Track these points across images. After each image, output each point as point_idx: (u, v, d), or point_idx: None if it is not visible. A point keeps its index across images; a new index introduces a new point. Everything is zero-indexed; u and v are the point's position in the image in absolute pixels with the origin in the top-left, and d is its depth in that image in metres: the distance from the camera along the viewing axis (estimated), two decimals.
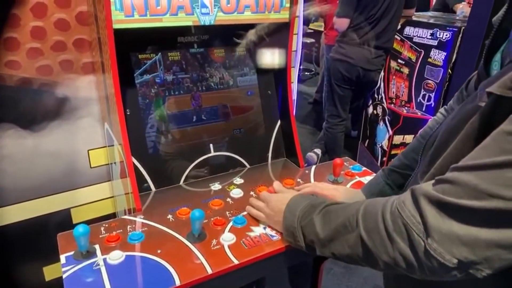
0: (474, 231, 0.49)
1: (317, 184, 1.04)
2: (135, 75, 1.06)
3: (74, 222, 1.32)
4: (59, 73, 1.13)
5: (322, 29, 4.16)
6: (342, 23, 2.54)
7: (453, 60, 2.34)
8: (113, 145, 1.16)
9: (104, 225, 0.92)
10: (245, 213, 0.96)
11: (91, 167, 1.29)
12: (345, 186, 1.10)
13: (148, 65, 1.07)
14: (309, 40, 5.42)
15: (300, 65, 5.56)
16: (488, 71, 0.65)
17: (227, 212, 0.96)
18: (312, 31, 5.36)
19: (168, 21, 0.95)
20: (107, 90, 1.06)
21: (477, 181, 0.49)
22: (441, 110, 0.92)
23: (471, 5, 2.29)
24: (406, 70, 2.67)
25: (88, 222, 1.32)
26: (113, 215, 1.37)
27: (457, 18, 2.71)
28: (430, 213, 0.53)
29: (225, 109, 1.20)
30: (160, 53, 1.09)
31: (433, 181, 0.56)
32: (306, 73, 5.79)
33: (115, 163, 1.20)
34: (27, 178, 1.19)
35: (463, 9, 2.96)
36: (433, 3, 3.66)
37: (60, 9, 1.07)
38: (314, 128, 3.90)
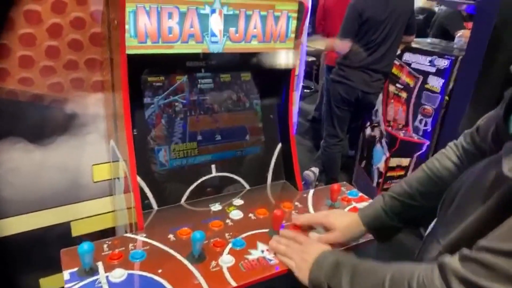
0: None
1: (314, 214, 1.07)
2: (144, 97, 1.10)
3: (73, 235, 1.34)
4: (69, 90, 1.17)
5: (322, 47, 4.24)
6: (343, 45, 2.60)
7: (450, 87, 2.41)
8: (117, 161, 1.19)
9: (107, 242, 0.94)
10: (244, 235, 0.99)
11: (94, 182, 1.32)
12: (341, 210, 1.13)
13: (157, 88, 1.11)
14: (310, 58, 5.50)
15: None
16: (508, 123, 0.63)
17: (226, 234, 0.99)
18: (312, 49, 5.45)
19: (179, 48, 0.99)
20: (116, 109, 1.10)
21: (510, 267, 0.49)
22: (451, 145, 0.90)
23: (469, 36, 2.36)
24: (404, 95, 2.73)
25: (87, 236, 1.36)
26: (112, 230, 1.40)
27: (455, 46, 2.79)
28: None
29: (228, 132, 1.24)
30: (168, 77, 1.13)
31: (460, 256, 0.56)
32: (306, 90, 5.86)
33: (118, 178, 1.23)
34: (31, 190, 1.22)
35: (461, 38, 3.04)
36: (432, 29, 3.74)
37: (75, 30, 1.11)
38: (312, 146, 3.94)
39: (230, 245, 0.95)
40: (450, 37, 3.39)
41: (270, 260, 0.91)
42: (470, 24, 3.52)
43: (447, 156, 0.89)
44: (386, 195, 0.96)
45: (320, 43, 3.04)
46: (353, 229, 0.97)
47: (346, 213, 1.07)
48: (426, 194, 0.90)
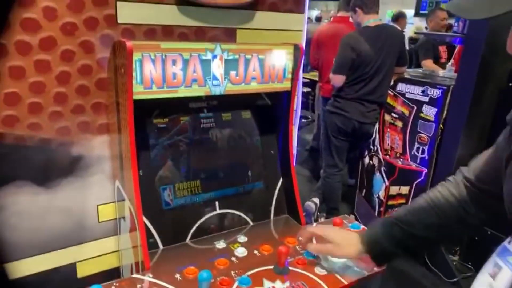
0: None
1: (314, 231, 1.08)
2: (149, 138, 1.13)
3: (79, 276, 1.33)
4: (76, 133, 1.20)
5: (317, 78, 4.36)
6: (337, 80, 2.69)
7: (444, 115, 2.47)
8: (123, 201, 1.21)
9: (114, 284, 0.95)
10: (249, 272, 1.00)
11: (99, 222, 1.33)
12: (341, 229, 1.16)
13: (161, 129, 1.15)
14: (306, 90, 5.63)
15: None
16: None
17: (232, 272, 1.00)
18: (308, 80, 5.59)
19: (183, 92, 1.04)
20: (122, 150, 1.13)
21: None
22: (452, 181, 0.92)
23: (458, 66, 2.45)
24: (399, 124, 2.79)
25: (92, 277, 1.36)
26: (117, 270, 1.39)
27: (446, 76, 2.88)
28: None
29: (230, 169, 1.27)
30: (172, 118, 1.17)
31: None
32: (303, 120, 5.95)
33: (124, 218, 1.25)
34: (37, 233, 1.23)
35: (451, 67, 3.14)
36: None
37: (82, 77, 1.17)
38: (311, 175, 3.96)
39: (236, 283, 0.96)
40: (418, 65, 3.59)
41: None
42: (443, 47, 3.72)
43: (449, 190, 0.91)
44: (389, 220, 0.97)
45: None
46: (350, 246, 0.98)
47: (347, 231, 1.08)
48: (428, 225, 0.91)
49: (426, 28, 5.46)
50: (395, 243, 0.94)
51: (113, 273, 1.40)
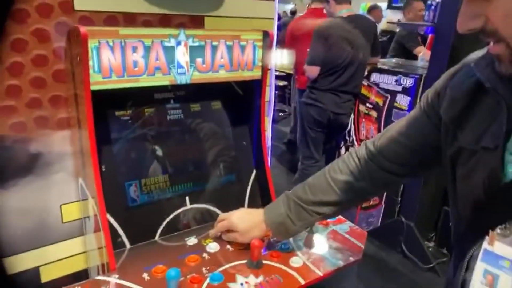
0: None
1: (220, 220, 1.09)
2: (111, 131, 1.07)
3: (43, 281, 1.26)
4: (33, 129, 1.13)
5: (292, 72, 4.35)
6: (312, 71, 2.67)
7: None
8: (87, 199, 1.15)
9: (77, 287, 0.89)
10: (221, 268, 0.96)
11: (63, 222, 1.26)
12: (246, 210, 1.15)
13: (125, 122, 1.09)
14: (282, 83, 5.62)
15: (274, 106, 5.66)
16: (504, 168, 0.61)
17: (203, 268, 0.96)
18: (284, 74, 5.58)
19: (145, 81, 0.99)
20: (83, 146, 1.07)
21: None
22: (354, 156, 0.95)
23: (430, 55, 2.47)
24: (374, 114, 2.80)
25: (58, 281, 1.29)
26: (85, 272, 1.32)
27: (418, 65, 2.91)
28: None
29: (201, 162, 1.22)
30: (136, 110, 1.11)
31: None
32: (280, 113, 5.94)
33: (88, 217, 1.18)
34: None
35: (423, 56, 3.18)
36: (390, 49, 3.93)
37: (37, 68, 1.09)
38: (288, 168, 3.95)
39: (208, 281, 0.92)
40: (409, 53, 3.58)
41: None
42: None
43: (349, 170, 0.94)
44: (291, 199, 0.99)
45: None
46: (254, 230, 1.02)
47: (250, 215, 1.07)
48: (329, 203, 0.96)
49: (399, 20, 5.53)
50: (301, 223, 0.98)
51: (81, 276, 1.33)
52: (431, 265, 2.48)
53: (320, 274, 0.97)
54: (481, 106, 0.66)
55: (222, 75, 1.11)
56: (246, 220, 1.04)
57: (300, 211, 0.97)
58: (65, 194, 1.24)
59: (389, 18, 5.10)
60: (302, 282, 0.94)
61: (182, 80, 1.04)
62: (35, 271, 1.25)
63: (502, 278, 0.60)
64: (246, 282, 0.91)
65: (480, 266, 0.62)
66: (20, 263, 1.21)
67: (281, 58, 3.74)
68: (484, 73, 0.64)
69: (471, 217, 0.67)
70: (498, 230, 0.59)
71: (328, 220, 1.22)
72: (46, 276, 1.27)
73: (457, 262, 0.70)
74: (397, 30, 4.17)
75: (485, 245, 0.62)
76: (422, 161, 0.85)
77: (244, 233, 1.03)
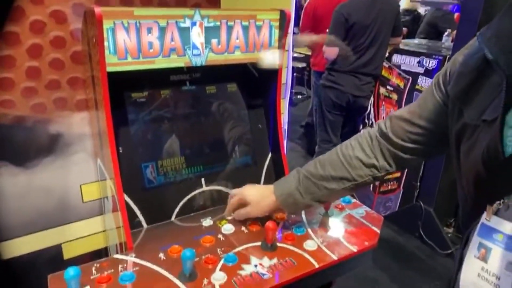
0: None
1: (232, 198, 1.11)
2: (128, 113, 1.08)
3: (65, 258, 1.31)
4: (53, 110, 1.15)
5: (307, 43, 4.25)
6: (331, 52, 2.61)
7: None
8: (105, 180, 1.17)
9: (95, 265, 0.92)
10: (236, 250, 0.97)
11: (83, 202, 1.29)
12: (256, 185, 1.15)
13: (141, 104, 1.10)
14: (301, 65, 5.53)
15: (292, 89, 5.63)
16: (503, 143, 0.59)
17: (218, 249, 0.97)
18: (303, 55, 5.48)
19: (160, 63, 0.98)
20: (100, 127, 1.08)
21: None
22: (367, 136, 0.96)
23: (455, 35, 2.37)
24: (395, 96, 2.73)
25: (79, 258, 1.33)
26: (104, 250, 1.37)
27: (443, 46, 2.80)
28: None
29: (217, 144, 1.22)
30: (152, 92, 1.11)
31: None
32: (298, 96, 5.88)
33: (107, 197, 1.21)
34: (19, 215, 1.19)
35: (448, 37, 3.06)
36: (419, 30, 3.78)
37: (55, 49, 1.10)
38: (306, 152, 3.93)
39: (222, 261, 0.93)
40: (439, 37, 3.42)
41: (264, 274, 0.89)
42: None
43: (361, 147, 0.94)
44: (301, 173, 1.00)
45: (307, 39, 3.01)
46: (266, 204, 1.03)
47: (260, 188, 1.10)
48: (339, 178, 0.96)
49: None
50: (310, 197, 0.98)
51: (101, 254, 1.37)
52: (450, 251, 2.45)
53: (335, 258, 0.97)
54: (487, 82, 0.64)
55: (238, 57, 1.10)
56: (256, 193, 1.05)
57: (309, 184, 0.97)
58: (84, 174, 1.27)
59: None
60: (316, 265, 0.94)
61: (198, 61, 1.04)
62: (58, 248, 1.30)
63: (494, 250, 0.60)
64: (260, 264, 0.92)
65: (475, 240, 0.62)
66: (43, 240, 1.26)
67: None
68: (487, 44, 0.62)
69: (474, 194, 0.67)
70: (496, 205, 0.59)
71: (344, 204, 1.21)
72: (68, 253, 1.32)
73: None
74: (420, 9, 4.00)
75: (482, 220, 0.62)
76: (432, 140, 0.85)
77: (254, 204, 1.04)
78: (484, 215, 0.61)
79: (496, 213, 0.59)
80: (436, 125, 0.81)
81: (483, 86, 0.65)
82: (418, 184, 2.61)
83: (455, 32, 2.80)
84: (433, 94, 0.81)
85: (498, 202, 0.59)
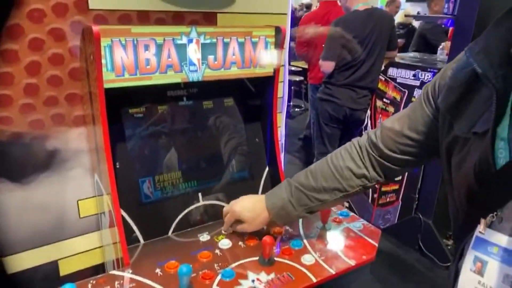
0: None
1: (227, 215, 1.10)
2: (125, 129, 1.08)
3: (62, 274, 1.29)
4: (50, 126, 1.15)
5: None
6: (327, 66, 2.64)
7: None
8: (102, 195, 1.17)
9: (91, 281, 0.91)
10: (233, 265, 0.97)
11: (80, 217, 1.29)
12: (248, 198, 1.10)
13: (138, 119, 1.10)
14: (298, 78, 5.57)
15: (289, 102, 5.64)
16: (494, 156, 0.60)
17: (215, 265, 0.97)
18: (300, 69, 5.53)
19: (157, 79, 0.99)
20: (97, 143, 1.09)
21: None
22: (356, 146, 0.96)
23: (449, 48, 2.41)
24: (391, 109, 2.75)
25: (76, 274, 1.32)
26: (102, 266, 1.35)
27: (438, 59, 2.83)
28: None
29: (213, 158, 1.23)
30: (150, 107, 1.12)
31: None
32: (296, 109, 5.91)
33: (104, 213, 1.20)
34: (15, 231, 1.18)
35: (443, 50, 3.10)
36: (412, 43, 3.83)
37: (54, 66, 1.11)
38: (303, 165, 3.93)
39: (219, 277, 0.92)
40: (433, 48, 3.46)
41: None
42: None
43: (351, 157, 0.95)
44: (293, 185, 1.00)
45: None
46: (261, 221, 1.04)
47: (252, 203, 1.07)
48: (330, 190, 0.96)
49: (418, 13, 5.39)
50: (302, 209, 0.99)
51: (98, 270, 1.36)
52: (449, 264, 2.43)
53: (333, 272, 0.97)
54: (477, 96, 0.65)
55: (234, 72, 1.11)
56: (250, 209, 1.04)
57: (301, 196, 0.98)
58: (81, 190, 1.27)
59: (407, 11, 4.99)
60: (314, 280, 0.93)
61: (194, 77, 1.05)
62: (54, 265, 1.29)
63: (490, 264, 0.59)
64: (258, 279, 0.91)
65: (470, 254, 0.62)
66: (39, 256, 1.25)
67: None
68: (476, 59, 0.63)
69: (466, 207, 0.67)
70: (489, 217, 0.59)
71: (341, 217, 1.21)
72: (64, 269, 1.31)
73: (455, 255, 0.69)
74: (414, 23, 4.07)
75: (476, 233, 0.62)
76: (422, 152, 0.86)
77: (251, 221, 1.04)
78: (478, 228, 0.61)
79: (490, 225, 0.60)
80: (426, 137, 0.82)
81: (473, 99, 0.66)
82: (417, 196, 2.61)
83: (449, 44, 2.84)
84: (422, 106, 0.82)
85: (491, 214, 0.59)
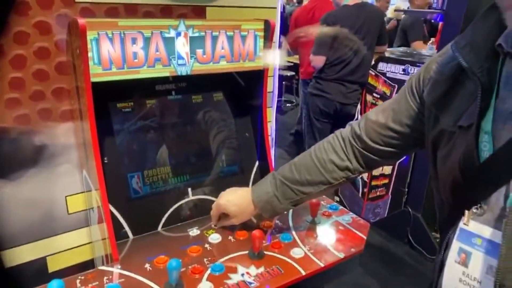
0: None
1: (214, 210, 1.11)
2: (113, 123, 1.07)
3: (50, 271, 1.28)
4: (37, 121, 1.14)
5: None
6: (318, 61, 2.64)
7: None
8: (91, 191, 1.16)
9: (80, 277, 0.91)
10: (223, 259, 0.97)
11: (68, 213, 1.28)
12: (233, 191, 1.09)
13: (127, 114, 1.09)
14: (289, 73, 5.57)
15: (281, 97, 5.64)
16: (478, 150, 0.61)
17: (205, 259, 0.97)
18: (292, 64, 5.52)
19: (145, 73, 0.98)
20: (85, 138, 1.07)
21: None
22: (339, 138, 0.97)
23: (438, 43, 2.43)
24: (381, 103, 2.77)
25: (64, 271, 1.31)
26: (91, 262, 1.35)
27: (427, 54, 2.86)
28: None
29: (203, 153, 1.22)
30: (138, 101, 1.11)
31: None
32: (288, 104, 5.91)
33: (93, 209, 1.19)
34: (2, 228, 1.17)
35: (433, 45, 3.13)
36: (395, 40, 3.85)
37: (40, 60, 1.09)
38: None
39: (209, 271, 0.92)
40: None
41: (251, 283, 0.89)
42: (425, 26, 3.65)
43: (334, 149, 0.95)
44: (277, 178, 1.00)
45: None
46: (247, 214, 1.06)
47: (238, 197, 1.07)
48: (315, 183, 0.97)
49: (408, 7, 5.41)
50: (287, 202, 1.00)
51: (88, 265, 1.35)
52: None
53: (321, 265, 0.97)
54: (462, 89, 0.66)
55: (223, 66, 1.11)
56: (235, 203, 1.05)
57: (286, 190, 0.98)
58: (70, 185, 1.25)
59: (397, 6, 5.01)
60: (303, 273, 0.94)
61: (183, 71, 1.04)
62: (43, 261, 1.27)
63: (474, 255, 0.60)
64: (247, 273, 0.92)
65: (455, 245, 0.63)
66: (27, 253, 1.24)
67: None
68: (462, 52, 0.64)
69: (451, 199, 0.68)
70: (473, 209, 0.60)
71: (331, 211, 1.22)
72: (53, 266, 1.29)
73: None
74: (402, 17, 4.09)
75: (461, 224, 0.62)
76: (406, 144, 0.87)
77: (237, 215, 1.05)
78: (463, 220, 0.62)
79: (473, 217, 0.61)
80: (411, 129, 0.83)
81: (458, 93, 0.66)
82: (406, 190, 2.64)
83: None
84: (407, 99, 0.82)
85: (475, 207, 0.60)
